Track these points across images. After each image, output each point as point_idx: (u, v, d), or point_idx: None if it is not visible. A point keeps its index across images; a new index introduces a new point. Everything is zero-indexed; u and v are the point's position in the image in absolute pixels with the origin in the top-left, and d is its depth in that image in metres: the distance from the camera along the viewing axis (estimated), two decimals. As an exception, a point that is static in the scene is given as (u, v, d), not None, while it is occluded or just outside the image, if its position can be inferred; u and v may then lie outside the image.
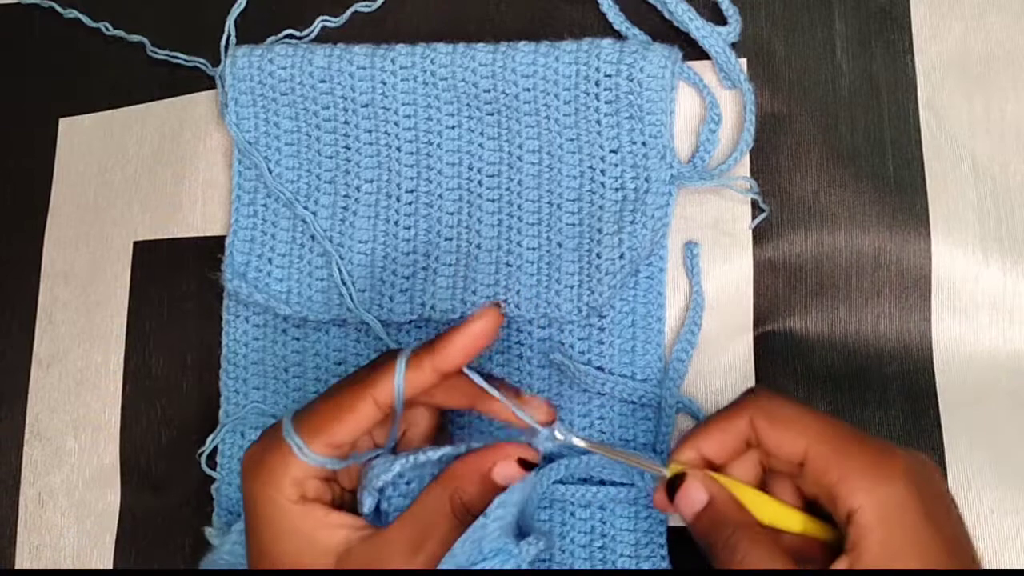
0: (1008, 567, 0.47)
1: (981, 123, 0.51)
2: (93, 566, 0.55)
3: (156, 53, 0.58)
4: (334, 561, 0.42)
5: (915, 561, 0.37)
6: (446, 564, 0.42)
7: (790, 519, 0.42)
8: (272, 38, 0.57)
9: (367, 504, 0.44)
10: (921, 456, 0.40)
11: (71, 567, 0.55)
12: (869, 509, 0.38)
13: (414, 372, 0.43)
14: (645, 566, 0.50)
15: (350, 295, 0.52)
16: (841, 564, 0.38)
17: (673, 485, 0.42)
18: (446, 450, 0.44)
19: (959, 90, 0.52)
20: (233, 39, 0.56)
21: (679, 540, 0.49)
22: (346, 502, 0.46)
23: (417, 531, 0.42)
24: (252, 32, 0.57)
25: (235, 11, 0.57)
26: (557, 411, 0.46)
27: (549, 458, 0.49)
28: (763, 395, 0.42)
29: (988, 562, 0.48)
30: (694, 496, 0.41)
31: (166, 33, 0.59)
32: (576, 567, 0.50)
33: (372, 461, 0.44)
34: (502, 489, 0.43)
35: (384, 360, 0.44)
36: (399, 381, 0.43)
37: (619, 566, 0.50)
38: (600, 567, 0.50)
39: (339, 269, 0.53)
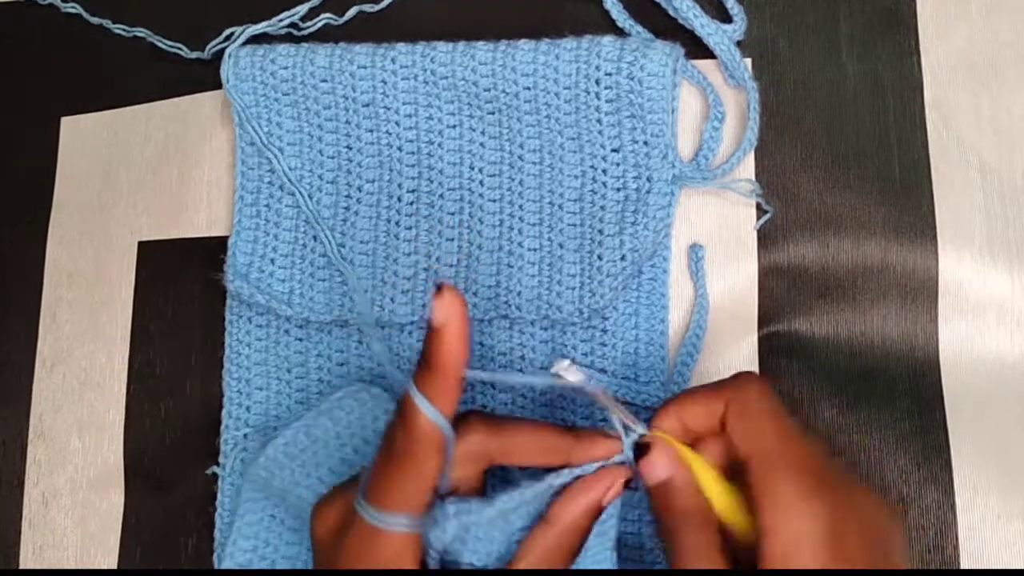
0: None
1: (988, 124, 0.51)
2: (96, 566, 0.55)
3: (161, 42, 0.58)
4: None
5: None
6: None
7: (739, 517, 0.41)
8: (269, 25, 0.56)
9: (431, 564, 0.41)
10: (876, 502, 0.40)
11: (74, 567, 0.55)
12: (779, 534, 0.37)
13: (446, 402, 0.39)
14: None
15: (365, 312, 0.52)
16: None
17: (641, 448, 0.41)
18: (508, 500, 0.40)
19: (966, 90, 0.51)
20: (238, 46, 0.55)
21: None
22: None
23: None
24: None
25: (250, 31, 0.56)
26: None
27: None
28: (749, 383, 0.41)
29: (992, 567, 0.47)
30: (658, 467, 0.41)
31: (167, 33, 0.59)
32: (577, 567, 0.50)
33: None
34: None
35: (410, 421, 0.39)
36: (449, 439, 0.39)
37: (622, 567, 0.50)
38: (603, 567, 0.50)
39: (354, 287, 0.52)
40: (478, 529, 0.40)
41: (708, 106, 0.52)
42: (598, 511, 0.41)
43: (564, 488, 0.41)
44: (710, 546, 0.40)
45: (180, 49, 0.58)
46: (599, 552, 0.42)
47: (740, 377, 0.42)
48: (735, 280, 0.51)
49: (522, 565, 0.40)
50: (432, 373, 0.38)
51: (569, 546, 0.41)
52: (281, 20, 0.56)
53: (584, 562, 0.42)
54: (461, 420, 0.41)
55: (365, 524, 0.39)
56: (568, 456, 0.41)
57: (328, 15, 0.57)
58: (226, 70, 0.54)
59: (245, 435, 0.54)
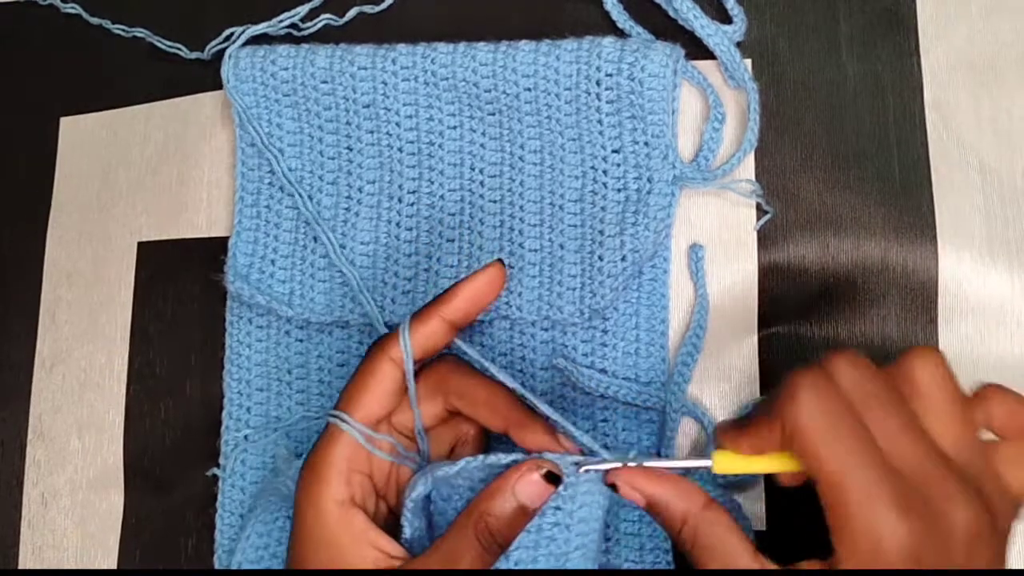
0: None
1: (988, 124, 0.51)
2: (96, 567, 0.55)
3: (161, 42, 0.58)
4: None
5: None
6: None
7: (785, 463, 0.39)
8: (269, 26, 0.56)
9: (407, 530, 0.43)
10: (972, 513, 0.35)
11: (74, 568, 0.55)
12: (853, 560, 0.35)
13: (422, 324, 0.44)
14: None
15: (365, 298, 0.52)
16: (814, 563, 0.37)
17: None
18: (471, 460, 0.42)
19: (965, 91, 0.51)
20: (238, 46, 0.55)
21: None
22: (389, 526, 0.44)
23: (442, 563, 0.41)
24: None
25: (250, 31, 0.56)
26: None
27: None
28: (796, 408, 0.37)
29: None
30: (638, 488, 0.41)
31: (167, 33, 0.59)
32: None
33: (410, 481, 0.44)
34: (532, 511, 0.41)
35: (396, 326, 0.45)
36: (404, 333, 0.43)
37: (624, 567, 0.50)
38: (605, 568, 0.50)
39: (355, 279, 0.52)
40: (447, 485, 0.43)
41: (708, 107, 0.52)
42: (513, 501, 0.41)
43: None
44: (730, 525, 0.39)
45: (180, 49, 0.58)
46: (581, 564, 0.42)
47: (790, 398, 0.37)
48: (735, 280, 0.51)
49: (436, 553, 0.41)
50: (435, 302, 0.45)
51: (485, 533, 0.41)
52: (281, 21, 0.56)
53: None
54: (439, 357, 0.46)
55: (328, 426, 0.44)
56: (506, 424, 0.44)
57: (328, 16, 0.57)
58: (226, 71, 0.54)
59: (245, 436, 0.54)
